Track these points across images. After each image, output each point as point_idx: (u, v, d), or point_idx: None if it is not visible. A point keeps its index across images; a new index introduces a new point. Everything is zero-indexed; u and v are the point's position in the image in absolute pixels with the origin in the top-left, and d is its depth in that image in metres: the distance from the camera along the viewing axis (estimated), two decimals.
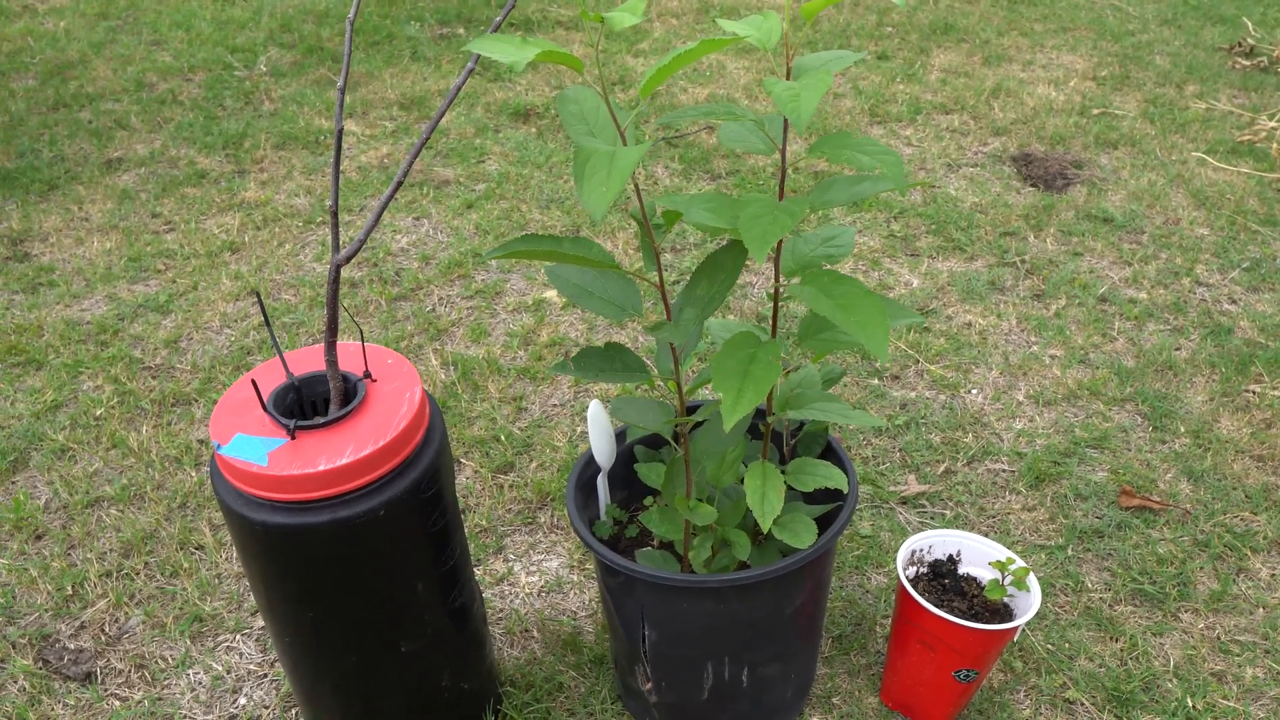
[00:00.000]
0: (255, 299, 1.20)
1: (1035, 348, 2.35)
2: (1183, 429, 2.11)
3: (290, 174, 3.09)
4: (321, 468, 1.11)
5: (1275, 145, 3.17)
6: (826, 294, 1.08)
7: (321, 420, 1.16)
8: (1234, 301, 2.52)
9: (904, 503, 1.94)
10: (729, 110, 1.07)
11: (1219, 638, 1.69)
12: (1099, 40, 4.10)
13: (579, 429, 2.10)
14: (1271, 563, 1.82)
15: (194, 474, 2.01)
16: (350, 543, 1.16)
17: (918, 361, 2.30)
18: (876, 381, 2.24)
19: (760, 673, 1.41)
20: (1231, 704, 1.58)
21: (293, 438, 1.15)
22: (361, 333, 1.23)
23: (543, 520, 1.90)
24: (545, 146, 3.22)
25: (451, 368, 2.27)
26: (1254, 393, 2.21)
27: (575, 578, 1.79)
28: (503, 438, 2.08)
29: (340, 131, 1.13)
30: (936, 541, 1.54)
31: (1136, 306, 2.48)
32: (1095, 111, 3.46)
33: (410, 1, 4.53)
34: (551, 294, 2.51)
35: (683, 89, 3.62)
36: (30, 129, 3.41)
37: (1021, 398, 2.21)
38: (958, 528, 1.90)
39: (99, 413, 2.17)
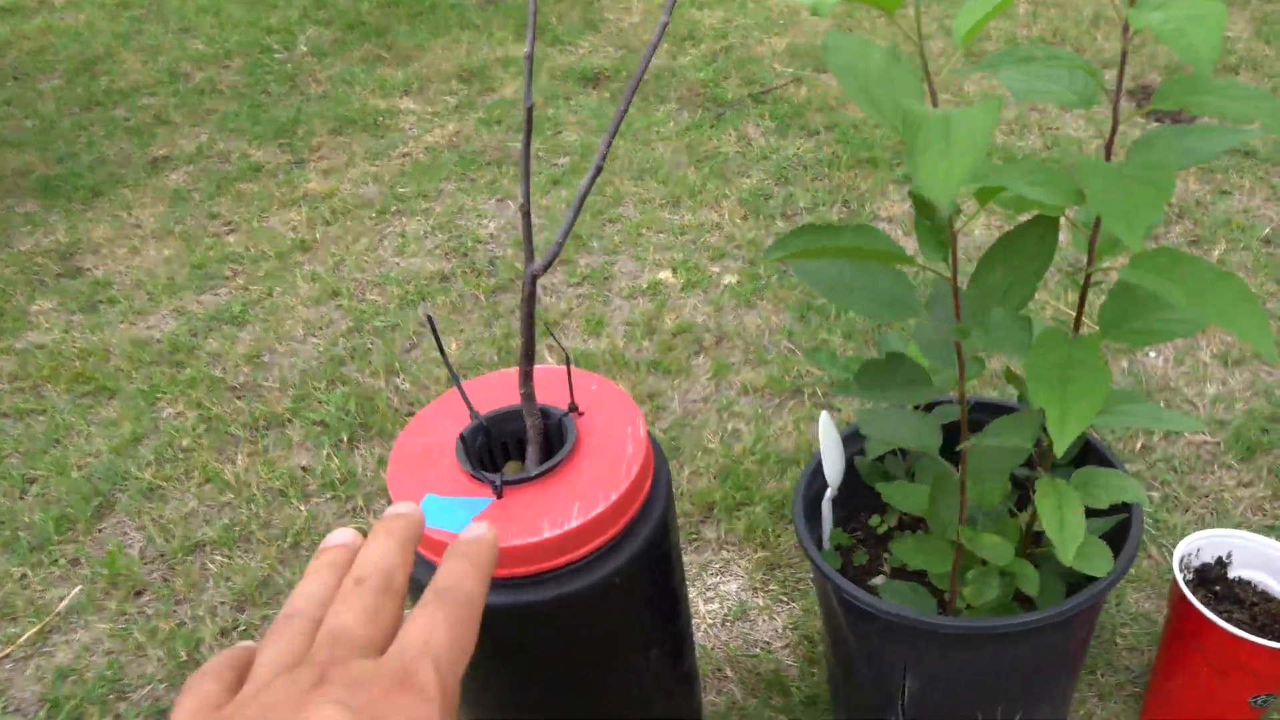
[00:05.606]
0: (428, 323, 0.96)
1: None
2: None
3: (353, 160, 2.85)
4: (546, 535, 0.88)
5: None
6: (1168, 276, 0.85)
7: (533, 472, 0.93)
8: None
9: None
10: (1051, 54, 0.84)
11: None
12: None
13: (730, 426, 1.86)
14: None
15: (303, 508, 1.79)
16: (577, 618, 0.94)
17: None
18: None
19: (1030, 715, 1.19)
20: None
21: (499, 496, 0.92)
22: (569, 357, 0.99)
23: (709, 536, 1.68)
24: None
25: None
26: None
27: (760, 601, 1.57)
28: None
29: (530, 109, 0.89)
30: (1205, 544, 1.31)
31: None
32: None
33: None
34: (666, 274, 2.27)
35: (758, 39, 3.36)
36: (64, 131, 3.17)
37: (1206, 358, 1.97)
38: (1167, 510, 1.68)
39: (185, 443, 1.95)
